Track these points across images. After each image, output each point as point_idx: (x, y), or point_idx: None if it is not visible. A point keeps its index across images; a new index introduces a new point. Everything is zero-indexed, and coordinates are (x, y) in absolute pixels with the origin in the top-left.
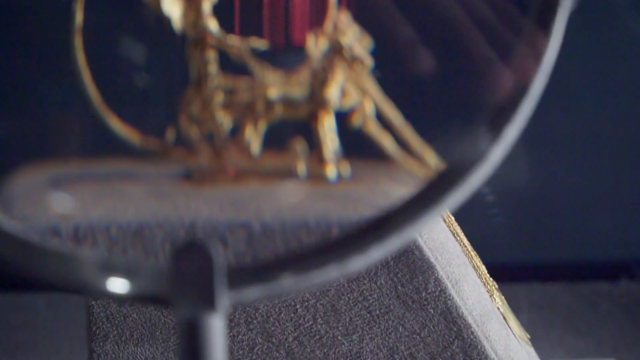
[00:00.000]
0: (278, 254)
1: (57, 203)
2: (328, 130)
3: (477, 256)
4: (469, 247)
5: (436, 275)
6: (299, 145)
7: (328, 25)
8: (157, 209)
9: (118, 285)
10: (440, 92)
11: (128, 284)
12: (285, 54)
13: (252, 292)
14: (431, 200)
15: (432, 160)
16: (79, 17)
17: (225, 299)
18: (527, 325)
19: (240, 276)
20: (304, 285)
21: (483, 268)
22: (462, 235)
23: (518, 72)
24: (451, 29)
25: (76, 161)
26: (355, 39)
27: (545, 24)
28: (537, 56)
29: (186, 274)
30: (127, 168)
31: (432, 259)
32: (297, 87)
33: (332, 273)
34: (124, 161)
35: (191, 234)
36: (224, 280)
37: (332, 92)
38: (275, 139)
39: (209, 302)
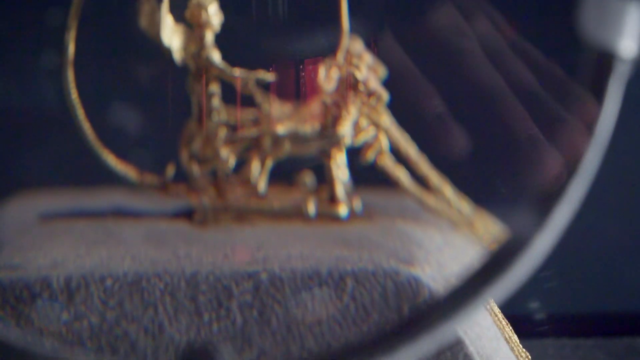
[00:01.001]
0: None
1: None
2: (340, 167)
3: (509, 325)
4: (501, 316)
5: (465, 350)
6: (308, 180)
7: (340, 55)
8: (155, 257)
9: None
10: (478, 172)
11: None
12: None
13: None
14: (476, 292)
15: (452, 196)
16: (71, 48)
17: None
18: None
19: None
20: None
21: (515, 338)
22: (493, 304)
23: (567, 149)
24: (490, 101)
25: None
26: (370, 70)
27: (598, 92)
28: (590, 129)
29: None
30: (125, 205)
31: (460, 333)
32: (308, 122)
33: None
34: (121, 197)
35: (196, 344)
36: None
37: (345, 129)
38: (283, 171)
39: None
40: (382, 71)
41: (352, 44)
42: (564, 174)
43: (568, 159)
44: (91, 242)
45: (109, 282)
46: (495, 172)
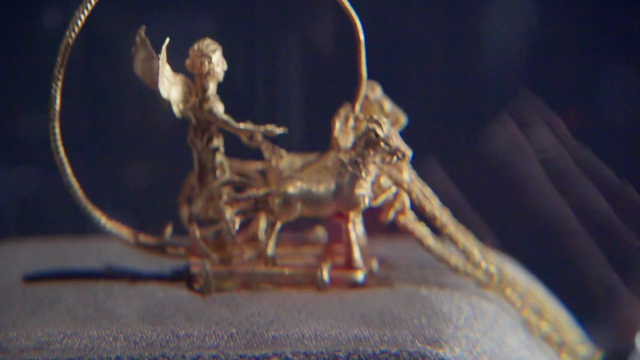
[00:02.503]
0: None
1: None
2: (356, 230)
3: None
4: None
5: None
6: (321, 236)
7: (358, 105)
8: (152, 337)
9: None
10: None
11: None
12: None
13: None
14: None
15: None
16: (57, 101)
17: None
18: None
19: None
20: None
21: None
22: None
23: None
24: (556, 236)
25: (59, 244)
26: (390, 117)
27: None
28: None
29: None
30: (118, 268)
31: None
32: (322, 180)
33: None
34: (113, 256)
35: None
36: None
37: (364, 190)
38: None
39: None
40: (404, 119)
41: (370, 91)
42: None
43: None
44: (80, 319)
45: None
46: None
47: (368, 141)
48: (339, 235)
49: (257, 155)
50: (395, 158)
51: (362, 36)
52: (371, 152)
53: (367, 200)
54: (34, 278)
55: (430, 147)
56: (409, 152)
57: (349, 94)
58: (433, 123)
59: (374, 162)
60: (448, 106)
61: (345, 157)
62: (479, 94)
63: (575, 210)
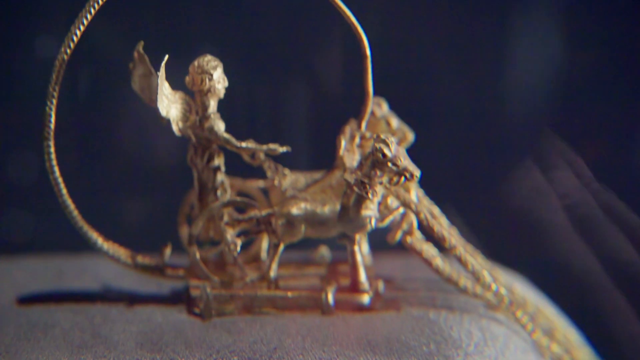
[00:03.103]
0: None
1: None
2: (362, 249)
3: None
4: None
5: None
6: (325, 254)
7: (364, 123)
8: None
9: None
10: None
11: None
12: None
13: None
14: None
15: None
16: (52, 119)
17: None
18: None
19: None
20: None
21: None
22: None
23: None
24: (582, 289)
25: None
26: (396, 134)
27: None
28: None
29: None
30: (115, 289)
31: None
32: (327, 201)
33: None
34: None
35: None
36: None
37: (370, 212)
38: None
39: None
40: (411, 136)
41: (376, 107)
42: None
43: None
44: (75, 346)
45: None
46: None
47: (375, 161)
48: (343, 253)
49: (259, 172)
50: (403, 178)
51: (368, 51)
52: (378, 173)
53: (373, 222)
54: (28, 300)
55: (445, 192)
56: (417, 172)
57: (355, 110)
58: (448, 155)
59: (381, 183)
60: (463, 138)
61: (351, 178)
62: (498, 131)
63: (600, 256)
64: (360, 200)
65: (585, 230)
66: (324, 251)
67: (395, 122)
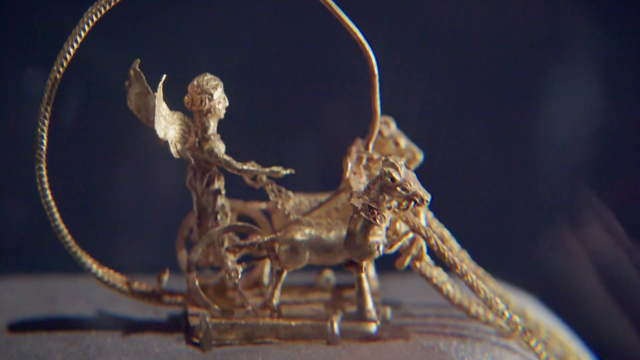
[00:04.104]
0: None
1: None
2: (368, 273)
3: None
4: None
5: None
6: (329, 278)
7: (372, 144)
8: None
9: None
10: None
11: None
12: None
13: None
14: None
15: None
16: (44, 141)
17: None
18: None
19: None
20: None
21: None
22: None
23: None
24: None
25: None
26: (405, 153)
27: None
28: None
29: None
30: (108, 317)
31: None
32: (332, 226)
33: None
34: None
35: None
36: None
37: (378, 238)
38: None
39: None
40: (420, 156)
41: (384, 126)
42: None
43: None
44: None
45: None
46: None
47: (383, 185)
48: (348, 276)
49: (261, 194)
50: (412, 203)
51: (376, 69)
52: (386, 197)
53: (381, 248)
54: (19, 327)
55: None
56: (427, 197)
57: (361, 129)
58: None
59: (389, 208)
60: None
61: (358, 203)
62: (528, 183)
63: (633, 316)
64: (368, 226)
65: (617, 290)
66: (329, 275)
67: (403, 141)
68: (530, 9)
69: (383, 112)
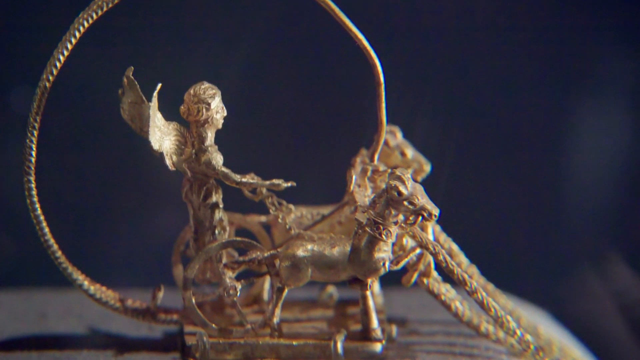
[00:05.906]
0: None
1: None
2: (373, 289)
3: None
4: None
5: None
6: (332, 294)
7: (377, 156)
8: None
9: None
10: None
11: None
12: None
13: None
14: None
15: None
16: (32, 152)
17: None
18: None
19: None
20: None
21: None
22: None
23: None
24: None
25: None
26: (412, 164)
27: None
28: None
29: None
30: (101, 334)
31: None
32: (336, 241)
33: None
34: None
35: None
36: None
37: (384, 254)
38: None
39: None
40: (427, 167)
41: (390, 136)
42: None
43: None
44: None
45: None
46: None
47: (389, 200)
48: (352, 292)
49: (260, 207)
50: (420, 218)
51: (382, 77)
52: (393, 212)
53: (387, 265)
54: (7, 345)
55: None
56: (435, 212)
57: (367, 139)
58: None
59: (396, 222)
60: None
61: (363, 217)
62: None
63: None
64: (373, 241)
65: (633, 307)
66: (332, 290)
67: (410, 152)
68: (559, 42)
69: (389, 121)
